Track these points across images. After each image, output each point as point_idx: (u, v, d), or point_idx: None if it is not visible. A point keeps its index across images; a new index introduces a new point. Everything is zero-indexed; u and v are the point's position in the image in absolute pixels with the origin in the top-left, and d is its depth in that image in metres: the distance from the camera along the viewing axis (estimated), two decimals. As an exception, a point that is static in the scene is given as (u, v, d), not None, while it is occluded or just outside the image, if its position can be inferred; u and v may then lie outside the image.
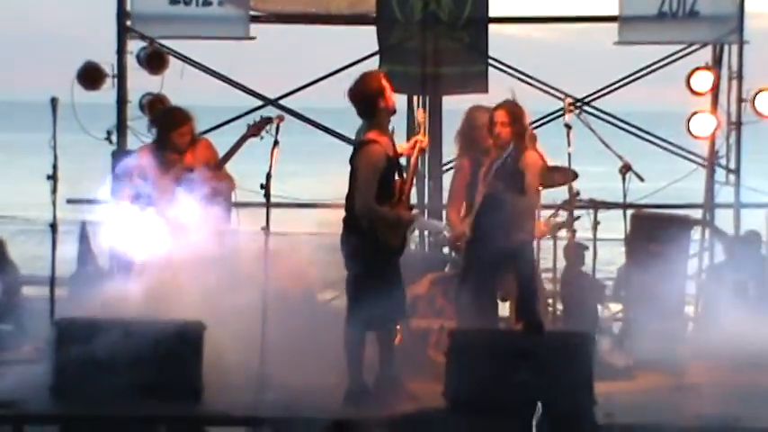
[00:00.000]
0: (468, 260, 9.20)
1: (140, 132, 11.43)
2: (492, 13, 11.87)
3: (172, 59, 11.76)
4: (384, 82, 8.82)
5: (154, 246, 9.45)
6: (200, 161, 9.55)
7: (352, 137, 9.15)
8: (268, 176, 9.30)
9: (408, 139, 10.12)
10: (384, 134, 8.83)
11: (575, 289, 10.32)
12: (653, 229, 10.60)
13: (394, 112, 8.89)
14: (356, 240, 8.75)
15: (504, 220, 8.93)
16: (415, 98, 11.82)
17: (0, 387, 9.08)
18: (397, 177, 8.83)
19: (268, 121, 9.55)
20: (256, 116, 9.94)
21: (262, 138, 9.48)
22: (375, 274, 8.70)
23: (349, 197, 8.83)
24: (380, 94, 8.75)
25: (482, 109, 9.72)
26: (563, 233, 10.37)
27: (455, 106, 11.61)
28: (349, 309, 8.85)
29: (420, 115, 9.33)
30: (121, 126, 11.76)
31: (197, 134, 9.93)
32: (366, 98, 8.76)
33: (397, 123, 10.79)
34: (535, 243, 9.67)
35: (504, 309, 9.69)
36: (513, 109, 9.14)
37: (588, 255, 10.40)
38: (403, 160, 9.15)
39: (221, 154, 9.84)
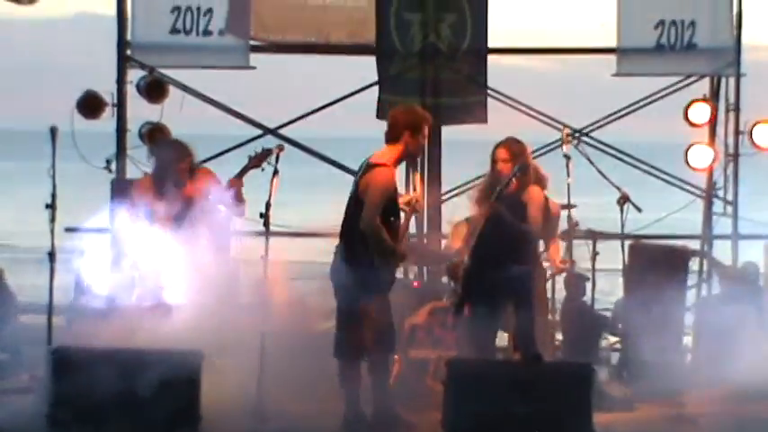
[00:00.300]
0: (467, 289, 9.19)
1: (140, 161, 11.46)
2: (491, 43, 11.92)
3: (172, 89, 11.78)
4: (421, 122, 8.84)
5: (152, 273, 9.45)
6: (200, 190, 9.55)
7: (351, 166, 9.17)
8: (267, 205, 9.32)
9: (407, 168, 10.17)
10: (393, 166, 8.86)
11: (575, 320, 10.32)
12: (651, 260, 10.60)
13: (410, 158, 8.92)
14: (349, 269, 8.75)
15: (505, 248, 8.93)
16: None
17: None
18: (393, 218, 8.85)
19: (269, 152, 9.57)
20: (257, 146, 9.96)
21: (263, 169, 9.50)
22: (366, 303, 8.70)
23: (346, 220, 8.83)
24: (410, 127, 8.79)
25: None
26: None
27: (455, 137, 11.66)
28: (337, 339, 8.86)
29: (417, 178, 9.33)
30: (121, 155, 11.76)
31: (196, 164, 9.93)
32: (396, 123, 8.82)
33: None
34: (549, 275, 9.71)
35: (503, 339, 9.69)
36: (512, 146, 9.16)
37: (588, 285, 10.40)
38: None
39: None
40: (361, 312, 8.70)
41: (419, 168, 11.15)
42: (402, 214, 8.89)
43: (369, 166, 8.80)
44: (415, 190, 9.25)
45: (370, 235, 8.64)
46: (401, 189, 9.23)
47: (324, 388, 9.12)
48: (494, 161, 9.19)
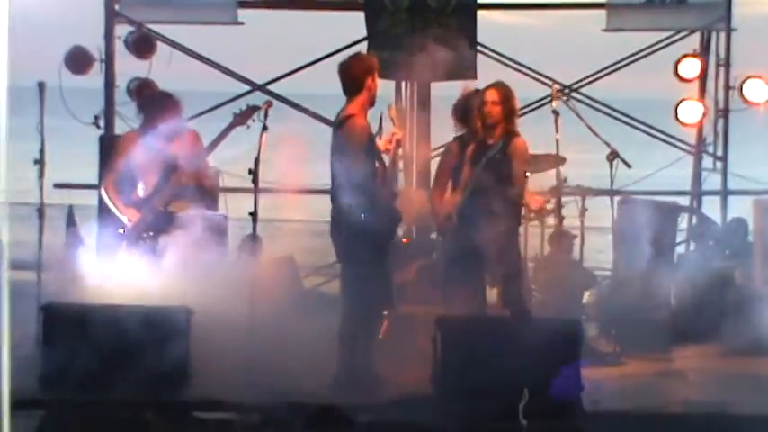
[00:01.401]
0: (455, 246, 9.20)
1: (128, 117, 11.41)
2: (480, -1, 11.87)
3: (160, 44, 11.74)
4: (376, 65, 8.89)
5: (139, 233, 9.43)
6: (186, 152, 9.50)
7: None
8: (256, 162, 9.29)
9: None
10: (364, 115, 8.86)
11: (559, 276, 10.33)
12: (640, 216, 10.60)
13: (374, 102, 8.93)
14: (347, 228, 8.75)
15: (491, 211, 8.93)
16: (403, 84, 11.83)
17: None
18: (377, 164, 8.85)
19: (255, 109, 9.52)
20: (243, 103, 9.91)
21: (248, 126, 9.45)
22: (368, 262, 8.71)
23: (333, 179, 8.83)
24: (371, 72, 8.84)
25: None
26: (550, 220, 10.40)
27: (444, 92, 11.62)
28: (347, 298, 8.87)
29: (392, 111, 9.30)
30: (109, 111, 11.74)
31: (184, 122, 9.83)
32: (356, 73, 8.84)
33: (386, 108, 10.81)
34: (522, 229, 9.71)
35: (491, 295, 9.71)
36: (503, 89, 9.17)
37: (575, 242, 10.40)
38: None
39: (207, 142, 9.81)
40: (365, 267, 8.71)
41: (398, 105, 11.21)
42: (386, 158, 8.91)
43: (339, 123, 8.84)
44: (392, 123, 9.20)
45: (356, 189, 8.64)
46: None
47: (313, 344, 9.13)
48: (482, 102, 9.15)
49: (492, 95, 9.14)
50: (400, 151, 9.33)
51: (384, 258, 8.88)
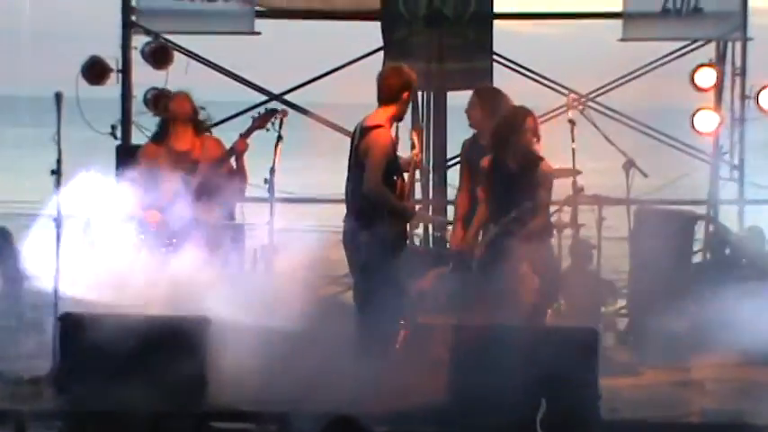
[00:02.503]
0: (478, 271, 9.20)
1: (145, 127, 11.45)
2: (496, 9, 11.88)
3: (177, 54, 11.77)
4: (414, 82, 8.90)
5: (162, 240, 9.45)
6: (208, 158, 9.52)
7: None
8: (272, 171, 9.32)
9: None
10: (390, 127, 8.86)
11: (577, 285, 10.32)
12: (657, 225, 10.59)
13: (402, 117, 8.93)
14: (359, 234, 8.77)
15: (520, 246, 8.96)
16: (419, 94, 11.83)
17: (3, 381, 9.09)
18: (396, 177, 8.86)
19: (273, 112, 9.56)
20: (261, 110, 9.95)
21: (267, 130, 9.49)
22: (384, 268, 8.73)
23: (350, 186, 8.85)
24: (408, 88, 8.84)
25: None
26: (567, 231, 10.39)
27: (460, 102, 11.62)
28: (362, 308, 8.88)
29: (414, 134, 9.28)
30: (126, 121, 11.77)
31: (203, 126, 9.82)
32: (394, 84, 8.84)
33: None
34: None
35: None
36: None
37: (594, 252, 10.39)
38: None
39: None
40: (377, 276, 8.71)
41: (419, 125, 11.19)
42: (405, 174, 8.92)
43: (365, 130, 8.79)
44: (413, 147, 9.19)
45: (375, 198, 8.66)
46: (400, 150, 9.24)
47: (331, 353, 9.13)
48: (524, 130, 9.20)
49: (472, 98, 9.20)
50: (417, 173, 9.31)
51: (398, 268, 8.87)
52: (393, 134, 8.90)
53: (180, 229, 9.43)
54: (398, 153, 8.96)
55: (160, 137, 9.60)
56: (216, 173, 9.50)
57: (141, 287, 9.33)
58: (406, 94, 8.84)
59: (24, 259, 11.32)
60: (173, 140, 9.51)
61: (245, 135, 9.52)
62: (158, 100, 11.45)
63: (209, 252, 9.42)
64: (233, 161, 9.52)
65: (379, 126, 8.77)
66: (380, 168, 8.67)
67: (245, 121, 9.75)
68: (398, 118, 8.91)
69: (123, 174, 10.14)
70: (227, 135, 10.12)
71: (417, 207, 11.48)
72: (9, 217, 19.69)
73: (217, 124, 11.29)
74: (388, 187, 8.73)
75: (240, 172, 9.51)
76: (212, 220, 9.54)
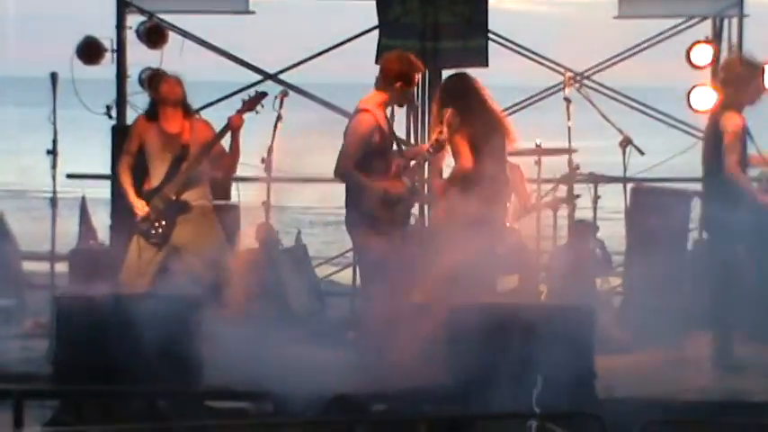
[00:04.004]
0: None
1: (139, 107, 11.42)
2: (492, -14, 11.83)
3: (171, 34, 11.73)
4: (408, 73, 8.82)
5: (151, 222, 9.43)
6: (197, 141, 9.49)
7: (351, 111, 9.15)
8: (269, 151, 9.31)
9: (408, 113, 10.20)
10: (379, 110, 8.84)
11: (574, 263, 10.32)
12: (653, 203, 10.59)
13: (400, 103, 8.88)
14: (352, 216, 8.78)
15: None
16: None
17: (1, 362, 9.10)
18: (396, 155, 8.82)
19: (263, 95, 9.53)
20: (251, 92, 9.91)
21: (257, 112, 9.44)
22: (369, 249, 8.74)
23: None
24: (409, 81, 8.82)
25: None
26: (563, 209, 10.38)
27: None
28: (361, 285, 8.92)
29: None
30: (121, 101, 11.74)
31: (193, 111, 9.79)
32: (387, 69, 8.86)
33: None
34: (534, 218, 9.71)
35: (512, 281, 9.71)
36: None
37: (591, 230, 10.39)
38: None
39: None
40: (364, 256, 8.71)
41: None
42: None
43: (354, 112, 8.83)
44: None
45: (344, 181, 8.70)
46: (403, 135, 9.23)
47: (326, 333, 9.15)
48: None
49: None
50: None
51: (391, 248, 8.82)
52: (382, 118, 8.84)
53: (170, 211, 9.39)
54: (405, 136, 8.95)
55: (151, 115, 9.55)
56: (206, 155, 9.45)
57: (133, 269, 9.32)
58: (399, 84, 8.82)
59: (19, 240, 11.34)
60: (163, 122, 9.47)
61: (240, 112, 9.48)
62: (153, 80, 11.42)
63: (197, 235, 9.40)
64: (228, 137, 9.46)
65: (364, 110, 8.79)
66: (352, 152, 8.68)
67: (238, 102, 9.69)
68: (390, 104, 8.89)
69: (116, 153, 10.09)
70: (220, 114, 10.09)
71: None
72: (4, 197, 19.71)
73: (211, 104, 11.28)
74: (371, 170, 8.70)
75: (234, 149, 9.47)
76: (204, 201, 9.51)
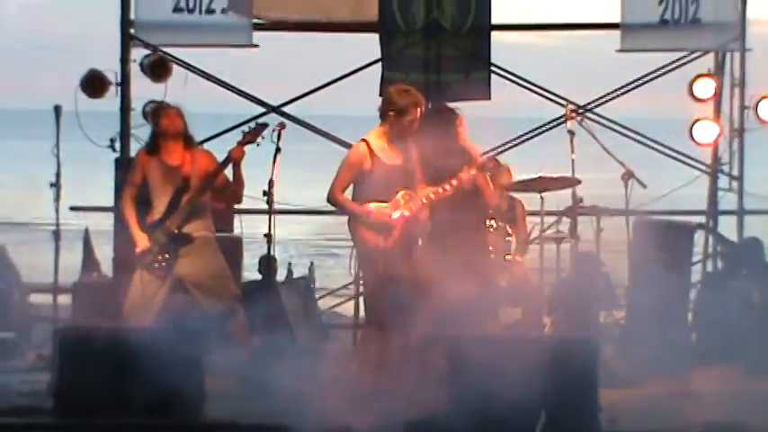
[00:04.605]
0: None
1: (143, 140, 11.44)
2: (494, 20, 11.88)
3: (175, 67, 11.77)
4: (415, 111, 8.93)
5: (154, 255, 9.43)
6: (199, 172, 9.50)
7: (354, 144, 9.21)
8: (270, 183, 9.32)
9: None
10: (388, 139, 8.96)
11: (577, 295, 10.30)
12: (656, 236, 10.59)
13: (410, 132, 8.99)
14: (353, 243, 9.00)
15: None
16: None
17: (3, 394, 9.08)
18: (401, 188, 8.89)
19: (263, 127, 9.56)
20: (252, 124, 9.94)
21: (258, 144, 9.48)
22: (367, 275, 8.98)
23: None
24: (403, 113, 8.92)
25: None
26: (566, 242, 10.38)
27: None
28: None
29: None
30: (125, 134, 11.76)
31: (194, 142, 9.80)
32: (382, 101, 9.03)
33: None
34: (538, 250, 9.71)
35: (515, 314, 9.70)
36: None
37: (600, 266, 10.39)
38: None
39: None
40: (367, 282, 9.02)
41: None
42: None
43: None
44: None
45: (331, 204, 9.00)
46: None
47: (331, 366, 9.13)
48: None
49: None
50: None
51: (382, 276, 8.91)
52: (381, 147, 8.92)
53: (172, 244, 9.41)
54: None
55: (152, 148, 9.58)
56: (208, 187, 9.46)
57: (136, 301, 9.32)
58: (392, 114, 8.94)
59: (22, 272, 11.34)
60: (164, 155, 9.50)
61: (240, 144, 9.51)
62: (157, 113, 11.45)
63: (199, 266, 9.41)
64: (230, 169, 9.49)
65: (360, 140, 9.00)
66: (338, 178, 8.95)
67: (239, 135, 9.70)
68: (391, 135, 8.97)
69: (120, 186, 10.10)
70: (224, 147, 10.11)
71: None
72: (8, 229, 19.71)
73: (214, 137, 11.30)
74: (367, 195, 8.90)
75: (237, 180, 9.50)
76: (204, 233, 9.52)
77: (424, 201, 9.00)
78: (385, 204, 8.94)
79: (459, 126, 9.52)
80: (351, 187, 9.01)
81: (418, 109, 8.98)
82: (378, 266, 8.91)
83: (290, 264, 11.01)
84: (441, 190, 8.99)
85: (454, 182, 8.98)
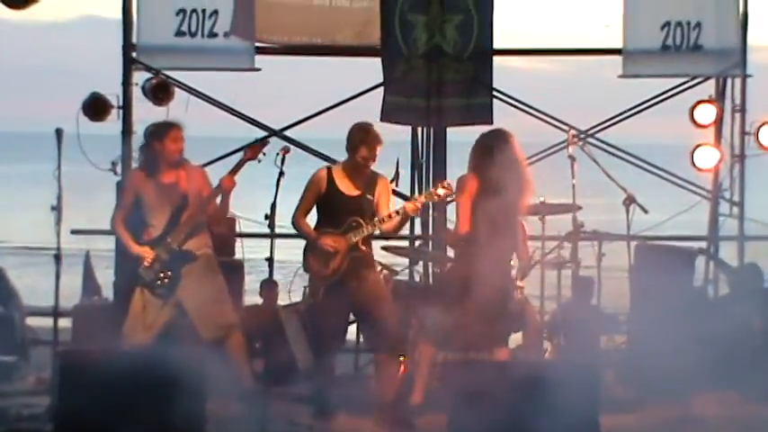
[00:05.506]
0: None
1: (145, 163, 11.44)
2: (496, 45, 11.90)
3: (177, 91, 11.79)
4: (369, 145, 9.20)
5: (156, 273, 9.43)
6: (194, 187, 9.53)
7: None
8: (273, 206, 9.33)
9: (413, 170, 10.26)
10: (347, 172, 9.24)
11: (576, 320, 10.30)
12: (657, 261, 10.59)
13: (364, 167, 9.23)
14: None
15: None
16: (419, 130, 11.85)
17: (3, 418, 9.07)
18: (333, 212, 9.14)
19: (264, 143, 9.59)
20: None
21: (259, 161, 9.49)
22: (314, 300, 9.47)
23: None
24: (354, 149, 9.23)
25: None
26: (567, 267, 10.37)
27: (459, 138, 11.65)
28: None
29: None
30: (126, 157, 11.77)
31: (184, 159, 9.79)
32: (347, 138, 9.31)
33: (402, 154, 10.87)
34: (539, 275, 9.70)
35: (516, 339, 9.69)
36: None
37: (595, 288, 10.38)
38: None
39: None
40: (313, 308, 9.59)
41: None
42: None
43: None
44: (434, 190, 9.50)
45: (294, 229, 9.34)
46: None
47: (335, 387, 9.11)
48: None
49: None
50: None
51: (333, 297, 9.15)
52: (343, 176, 9.20)
53: (174, 262, 9.42)
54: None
55: (151, 169, 9.58)
56: (207, 203, 9.49)
57: (138, 323, 9.32)
58: (353, 150, 9.23)
59: (23, 295, 11.33)
60: (158, 174, 9.52)
61: (234, 171, 9.51)
62: (159, 134, 11.44)
63: (202, 286, 9.40)
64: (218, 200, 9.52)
65: (326, 166, 9.44)
66: (301, 202, 9.25)
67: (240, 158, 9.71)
68: (350, 168, 9.27)
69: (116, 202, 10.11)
70: (225, 171, 10.13)
71: (417, 243, 11.53)
72: (8, 253, 19.70)
73: (216, 160, 11.30)
74: (323, 221, 9.23)
75: (222, 206, 9.54)
76: (205, 251, 9.53)
77: (369, 228, 9.12)
78: (338, 232, 9.13)
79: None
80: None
81: (371, 147, 9.17)
82: (317, 294, 9.27)
83: (289, 288, 11.01)
84: (383, 219, 9.18)
85: (399, 210, 9.18)
